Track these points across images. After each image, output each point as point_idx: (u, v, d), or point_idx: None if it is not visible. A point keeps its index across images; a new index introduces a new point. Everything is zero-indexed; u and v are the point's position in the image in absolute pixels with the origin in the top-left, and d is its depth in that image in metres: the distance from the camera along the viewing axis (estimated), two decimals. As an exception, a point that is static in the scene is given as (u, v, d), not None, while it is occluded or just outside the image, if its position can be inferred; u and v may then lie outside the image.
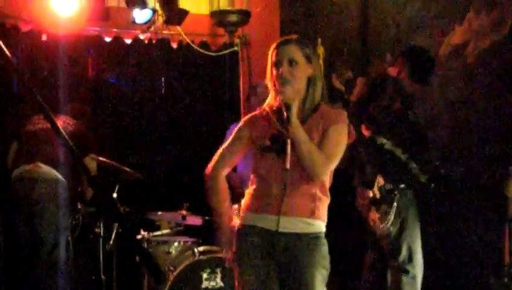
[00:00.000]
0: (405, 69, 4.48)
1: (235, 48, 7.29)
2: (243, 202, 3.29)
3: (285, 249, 3.11)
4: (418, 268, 4.28)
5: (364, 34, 6.01)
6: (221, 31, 7.14)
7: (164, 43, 7.03)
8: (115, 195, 4.74)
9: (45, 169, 4.95)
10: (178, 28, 6.60)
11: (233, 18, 6.78)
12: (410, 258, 4.29)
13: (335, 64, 6.36)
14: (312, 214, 3.13)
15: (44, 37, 6.44)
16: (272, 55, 3.21)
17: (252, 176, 3.28)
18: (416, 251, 4.30)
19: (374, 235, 4.42)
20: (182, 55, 7.12)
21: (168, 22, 6.46)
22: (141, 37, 6.96)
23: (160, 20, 6.43)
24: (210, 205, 3.37)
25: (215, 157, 3.34)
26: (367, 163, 4.33)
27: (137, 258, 4.82)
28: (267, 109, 3.27)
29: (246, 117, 3.37)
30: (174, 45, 7.08)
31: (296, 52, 3.16)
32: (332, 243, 3.23)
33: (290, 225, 3.10)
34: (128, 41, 6.95)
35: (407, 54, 4.56)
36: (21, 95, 5.84)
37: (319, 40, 6.45)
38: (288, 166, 3.02)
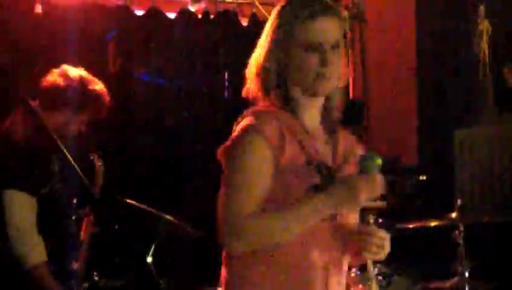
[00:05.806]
0: None
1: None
2: (258, 280, 2.44)
3: None
4: None
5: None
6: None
7: (228, 18, 5.93)
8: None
9: None
10: (249, -6, 5.69)
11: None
12: None
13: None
14: None
15: (38, 9, 5.24)
16: (302, 28, 2.34)
17: None
18: None
19: None
20: (255, 35, 5.43)
21: (234, -15, 5.70)
22: (191, 9, 5.81)
23: (222, -17, 5.71)
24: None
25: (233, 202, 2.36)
26: None
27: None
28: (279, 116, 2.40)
29: (258, 126, 2.34)
30: (244, 22, 5.89)
31: (339, 32, 2.46)
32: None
33: None
34: (171, 15, 5.81)
35: None
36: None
37: (482, 10, 5.56)
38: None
